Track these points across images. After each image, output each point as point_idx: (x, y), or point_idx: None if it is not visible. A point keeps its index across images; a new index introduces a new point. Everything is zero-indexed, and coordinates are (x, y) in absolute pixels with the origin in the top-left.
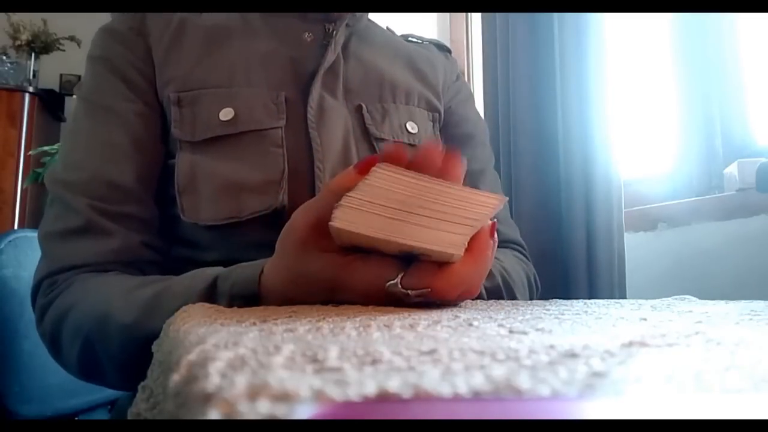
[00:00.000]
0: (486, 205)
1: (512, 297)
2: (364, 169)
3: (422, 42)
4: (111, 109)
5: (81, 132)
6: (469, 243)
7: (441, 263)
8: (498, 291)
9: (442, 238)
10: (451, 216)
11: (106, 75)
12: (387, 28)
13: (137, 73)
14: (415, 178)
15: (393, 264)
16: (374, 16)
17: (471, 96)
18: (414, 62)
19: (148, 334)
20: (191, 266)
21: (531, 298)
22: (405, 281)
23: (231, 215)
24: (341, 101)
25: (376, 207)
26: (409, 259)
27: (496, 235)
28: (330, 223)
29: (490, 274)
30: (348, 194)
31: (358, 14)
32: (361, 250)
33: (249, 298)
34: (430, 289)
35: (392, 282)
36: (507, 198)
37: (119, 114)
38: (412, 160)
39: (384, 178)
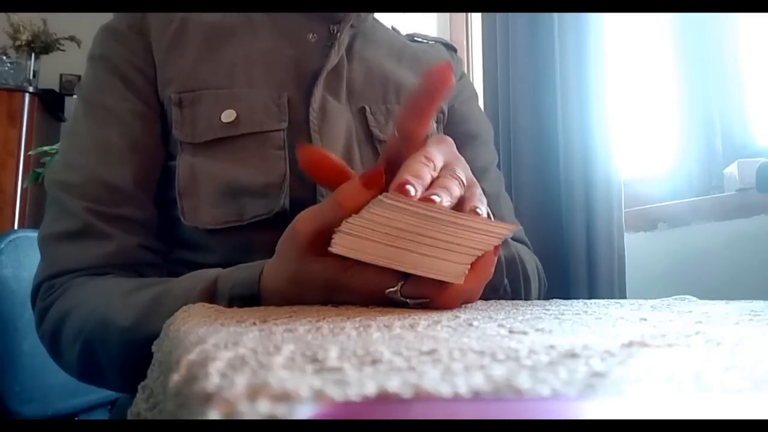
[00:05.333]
0: (495, 234)
1: (525, 273)
2: (369, 182)
3: (428, 42)
4: (109, 109)
5: (79, 132)
6: (473, 261)
7: None
8: (513, 262)
9: (443, 267)
10: (455, 246)
11: (105, 75)
12: (392, 27)
13: (137, 73)
14: (422, 209)
15: (393, 271)
16: (378, 16)
17: (475, 95)
18: (419, 62)
19: (148, 335)
20: (192, 268)
21: (540, 287)
22: (405, 290)
23: (232, 219)
24: (344, 103)
25: (376, 234)
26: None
27: (500, 252)
28: (329, 248)
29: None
30: (348, 220)
31: (363, 15)
32: None
33: (249, 299)
34: (429, 300)
35: (392, 290)
36: (519, 226)
37: (117, 115)
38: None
39: (389, 207)
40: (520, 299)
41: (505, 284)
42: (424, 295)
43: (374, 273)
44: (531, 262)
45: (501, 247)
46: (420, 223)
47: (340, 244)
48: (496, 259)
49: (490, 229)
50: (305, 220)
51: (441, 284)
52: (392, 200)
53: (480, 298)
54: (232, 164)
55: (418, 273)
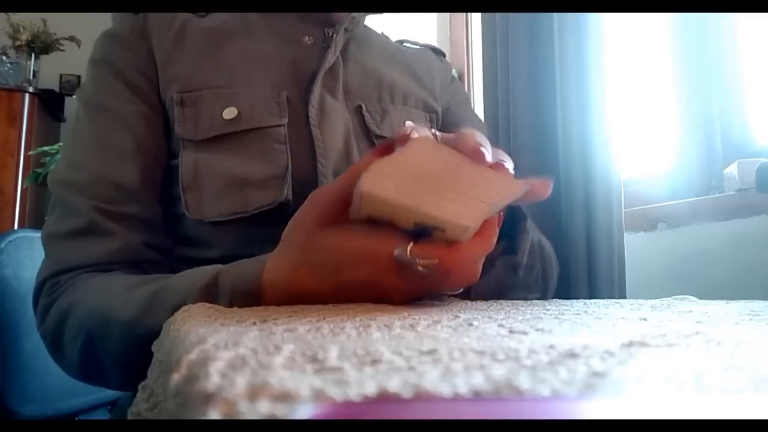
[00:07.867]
0: (509, 189)
1: (548, 259)
2: (384, 150)
3: (417, 46)
4: (113, 110)
5: (83, 134)
6: (480, 226)
7: (450, 241)
8: (541, 246)
9: (461, 212)
10: (475, 193)
11: (108, 78)
12: (382, 34)
13: (139, 75)
14: (448, 154)
15: (402, 235)
16: (373, 20)
17: (467, 98)
18: (411, 66)
19: (148, 330)
20: (194, 265)
21: (556, 270)
22: (414, 251)
23: (236, 210)
24: (341, 102)
25: (403, 175)
26: (418, 234)
27: (530, 236)
28: (357, 188)
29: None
30: (378, 161)
31: (356, 19)
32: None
33: (251, 293)
34: (437, 260)
35: (401, 250)
36: (529, 187)
37: (121, 115)
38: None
39: (418, 151)
40: (548, 281)
41: (537, 267)
42: (432, 254)
43: (384, 235)
44: (548, 245)
45: (529, 232)
46: (443, 168)
47: (368, 182)
48: (497, 232)
49: (503, 181)
50: (322, 192)
51: (449, 246)
52: (421, 143)
53: (512, 286)
54: (234, 158)
55: (437, 215)
